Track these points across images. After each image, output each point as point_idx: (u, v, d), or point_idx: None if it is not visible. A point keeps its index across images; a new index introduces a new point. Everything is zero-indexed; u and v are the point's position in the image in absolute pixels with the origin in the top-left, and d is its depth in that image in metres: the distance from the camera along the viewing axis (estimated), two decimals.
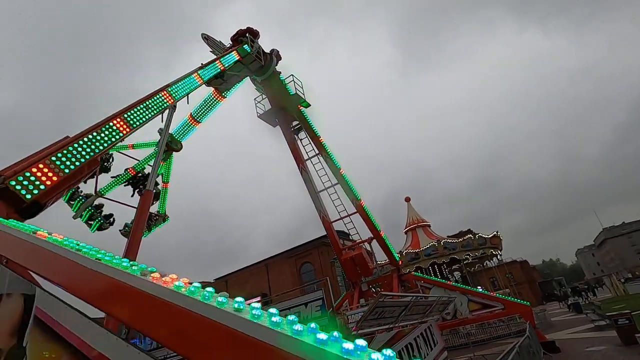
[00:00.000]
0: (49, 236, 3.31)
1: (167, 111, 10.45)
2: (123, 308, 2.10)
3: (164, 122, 10.70)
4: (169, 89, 9.82)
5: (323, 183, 19.25)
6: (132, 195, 11.63)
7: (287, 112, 18.64)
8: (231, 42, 16.82)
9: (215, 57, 16.36)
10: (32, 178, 5.50)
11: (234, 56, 14.69)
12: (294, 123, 19.29)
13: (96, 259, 2.57)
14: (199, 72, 11.48)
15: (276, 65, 17.89)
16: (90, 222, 11.16)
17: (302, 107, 18.50)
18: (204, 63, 12.53)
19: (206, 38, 16.54)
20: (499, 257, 29.80)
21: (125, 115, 7.89)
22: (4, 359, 3.13)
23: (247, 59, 15.55)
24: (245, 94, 18.86)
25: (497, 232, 28.17)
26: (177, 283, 2.10)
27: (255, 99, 18.99)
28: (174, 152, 14.86)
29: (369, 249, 19.85)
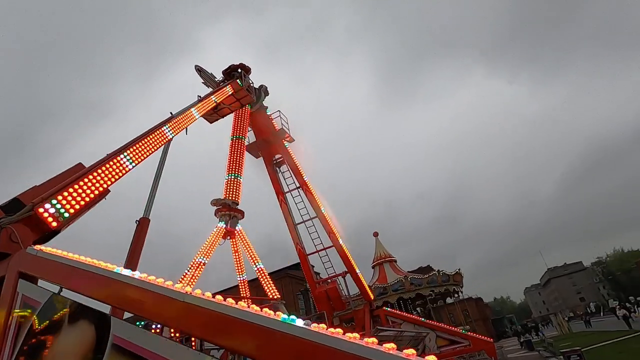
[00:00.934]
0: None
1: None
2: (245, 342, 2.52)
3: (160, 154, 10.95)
4: (170, 122, 10.14)
5: (302, 216, 19.74)
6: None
7: (271, 146, 19.28)
8: (223, 76, 17.52)
9: (207, 88, 16.96)
10: (58, 206, 5.61)
11: (229, 90, 15.30)
12: (277, 156, 19.92)
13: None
14: (192, 109, 11.88)
15: (264, 100, 18.72)
16: None
17: (286, 142, 19.26)
18: (201, 96, 13.01)
19: (199, 70, 17.08)
20: (460, 293, 31.24)
21: (135, 148, 8.12)
22: None
23: (239, 93, 16.21)
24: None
25: (459, 270, 29.74)
26: (283, 317, 2.59)
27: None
28: None
29: (342, 282, 20.25)
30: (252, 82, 17.56)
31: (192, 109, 11.45)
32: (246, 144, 19.28)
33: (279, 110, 18.98)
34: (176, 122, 10.25)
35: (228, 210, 12.43)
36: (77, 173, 6.46)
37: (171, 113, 13.23)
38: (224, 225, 12.17)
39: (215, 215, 12.41)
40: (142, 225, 9.12)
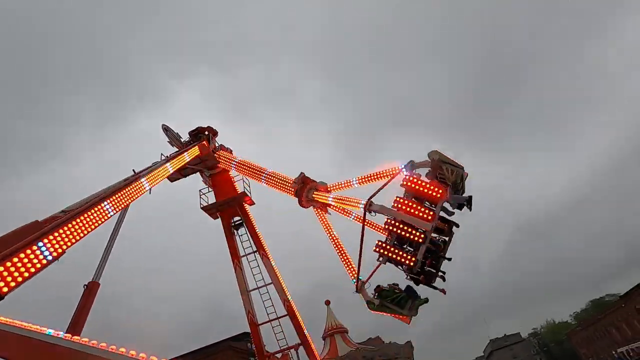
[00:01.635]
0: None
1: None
2: None
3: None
4: (141, 180, 10.00)
5: (256, 282, 19.08)
6: None
7: (231, 208, 19.13)
8: (189, 137, 17.81)
9: (172, 147, 17.03)
10: (6, 274, 5.18)
11: (196, 151, 15.49)
12: (236, 218, 19.68)
13: None
14: (167, 164, 11.90)
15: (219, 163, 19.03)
16: None
17: (246, 205, 19.26)
18: (170, 155, 13.06)
19: (166, 129, 17.26)
20: None
21: (102, 206, 7.85)
22: None
23: (206, 155, 16.44)
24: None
25: (409, 341, 29.50)
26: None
27: (200, 190, 19.32)
28: None
29: (294, 357, 19.14)
30: (218, 145, 17.97)
31: (167, 164, 11.38)
32: (205, 204, 19.13)
33: (240, 175, 19.25)
34: (152, 176, 10.10)
35: None
36: (36, 234, 6.08)
37: (134, 170, 13.05)
38: None
39: None
40: (91, 289, 8.40)
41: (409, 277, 10.40)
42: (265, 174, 15.49)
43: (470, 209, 10.40)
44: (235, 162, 16.77)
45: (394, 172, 10.97)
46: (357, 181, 12.96)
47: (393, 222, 10.33)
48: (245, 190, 18.86)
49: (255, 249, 19.13)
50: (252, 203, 19.39)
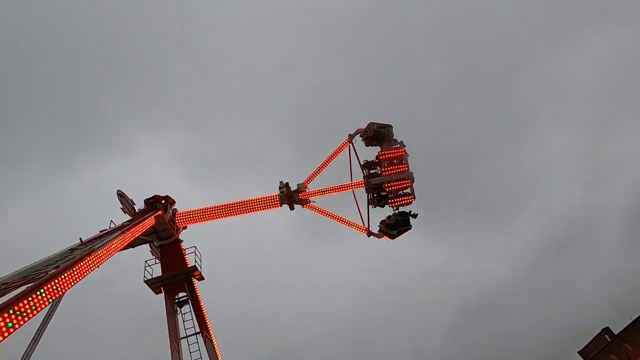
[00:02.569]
0: None
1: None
2: None
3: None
4: (97, 252, 9.44)
5: None
6: None
7: (177, 282, 17.97)
8: (145, 205, 17.30)
9: (125, 214, 16.34)
10: None
11: (152, 221, 15.00)
12: (181, 294, 18.36)
13: None
14: (119, 238, 11.37)
15: (179, 234, 18.46)
16: None
17: (195, 280, 18.25)
18: (125, 225, 12.51)
19: (121, 195, 16.70)
20: None
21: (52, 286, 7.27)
22: None
23: (161, 226, 15.92)
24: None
25: None
26: None
27: (146, 261, 18.10)
28: None
29: None
30: (174, 215, 17.56)
31: (114, 242, 10.83)
32: (149, 277, 17.79)
33: (194, 246, 18.63)
34: (106, 250, 9.53)
35: None
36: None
37: (81, 239, 12.29)
38: None
39: None
40: None
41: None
42: (244, 205, 16.75)
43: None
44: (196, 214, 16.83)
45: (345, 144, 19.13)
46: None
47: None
48: (197, 264, 18.06)
49: (198, 330, 17.66)
50: (201, 278, 18.43)
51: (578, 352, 53.76)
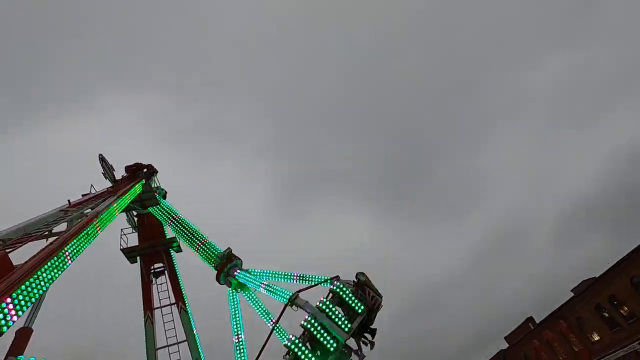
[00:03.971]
0: None
1: None
2: None
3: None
4: (99, 219, 9.31)
5: (167, 339, 17.33)
6: None
7: (154, 252, 17.76)
8: (126, 172, 16.78)
9: (104, 180, 15.78)
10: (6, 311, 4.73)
11: (139, 189, 14.67)
12: (157, 265, 18.18)
13: None
14: (119, 202, 11.20)
15: (158, 203, 18.12)
16: None
17: (172, 251, 18.13)
18: (109, 189, 12.21)
19: (102, 160, 16.02)
20: None
21: (69, 248, 7.23)
22: None
23: (146, 194, 15.61)
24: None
25: None
26: None
27: (122, 230, 17.61)
28: None
29: None
30: (159, 184, 17.23)
31: (115, 206, 10.67)
32: (125, 245, 17.38)
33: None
34: (103, 219, 9.43)
35: None
36: (18, 273, 5.56)
37: (69, 201, 11.90)
38: None
39: None
40: (23, 335, 7.22)
41: None
42: (199, 241, 15.17)
43: (372, 346, 10.94)
44: (174, 218, 16.17)
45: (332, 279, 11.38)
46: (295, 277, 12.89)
47: (312, 321, 10.35)
48: (177, 236, 17.92)
49: (173, 301, 17.69)
50: (179, 250, 18.36)
51: (504, 338, 60.23)
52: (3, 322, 4.77)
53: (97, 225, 8.78)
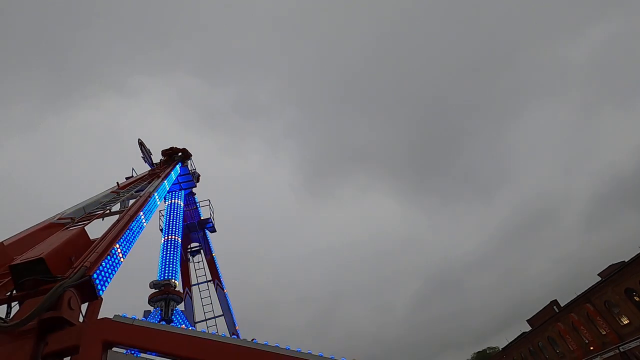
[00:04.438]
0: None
1: None
2: None
3: None
4: (143, 211, 9.79)
5: (204, 313, 18.38)
6: None
7: (191, 233, 18.65)
8: (163, 156, 17.47)
9: (144, 164, 16.54)
10: (104, 273, 5.32)
11: (175, 173, 15.34)
12: (193, 245, 19.12)
13: None
14: (159, 190, 11.75)
15: (194, 186, 18.88)
16: None
17: (207, 231, 18.98)
18: (150, 172, 12.84)
19: (141, 144, 16.72)
20: None
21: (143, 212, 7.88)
22: None
23: (182, 177, 16.29)
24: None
25: None
26: None
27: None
28: None
29: None
30: (195, 168, 17.91)
31: (155, 194, 11.19)
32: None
33: (208, 200, 19.20)
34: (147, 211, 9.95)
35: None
36: (107, 240, 6.16)
37: (118, 183, 12.62)
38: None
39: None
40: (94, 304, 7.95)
41: None
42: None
43: None
44: None
45: None
46: None
47: None
48: (211, 217, 18.74)
49: (209, 278, 18.66)
50: (214, 231, 19.19)
51: (527, 321, 59.85)
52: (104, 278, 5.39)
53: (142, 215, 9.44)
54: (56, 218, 8.83)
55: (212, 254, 18.88)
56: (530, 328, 56.11)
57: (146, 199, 9.21)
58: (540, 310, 54.13)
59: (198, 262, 18.99)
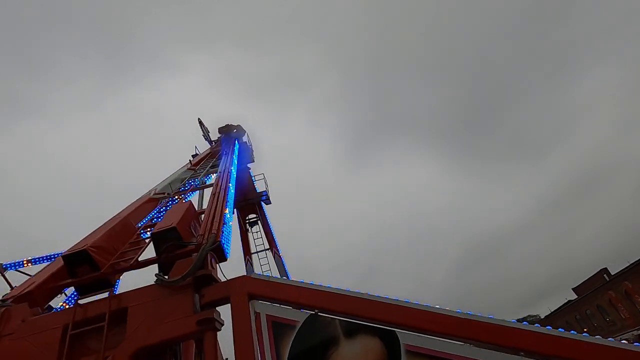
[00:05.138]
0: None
1: None
2: None
3: None
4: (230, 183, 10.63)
5: None
6: None
7: (248, 205, 19.80)
8: (219, 133, 18.40)
9: (204, 142, 17.55)
10: (226, 238, 6.10)
11: (237, 147, 16.20)
12: (251, 216, 20.33)
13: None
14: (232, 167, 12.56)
15: (252, 161, 19.82)
16: None
17: (263, 203, 20.05)
18: (213, 149, 13.78)
19: (201, 123, 17.68)
20: None
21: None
22: None
23: (241, 153, 17.16)
24: None
25: None
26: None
27: None
28: None
29: None
30: (250, 143, 18.74)
31: (233, 169, 12.00)
32: None
33: (263, 174, 20.12)
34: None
35: None
36: (218, 209, 6.97)
37: (190, 161, 13.63)
38: None
39: None
40: None
41: None
42: None
43: None
44: None
45: None
46: None
47: None
48: (267, 190, 19.72)
49: (267, 247, 19.92)
50: (269, 202, 20.23)
51: (573, 289, 58.47)
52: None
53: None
54: (152, 194, 9.90)
55: (268, 223, 20.01)
56: (577, 296, 54.94)
57: (229, 173, 10.03)
58: (589, 278, 52.66)
59: (256, 232, 20.26)
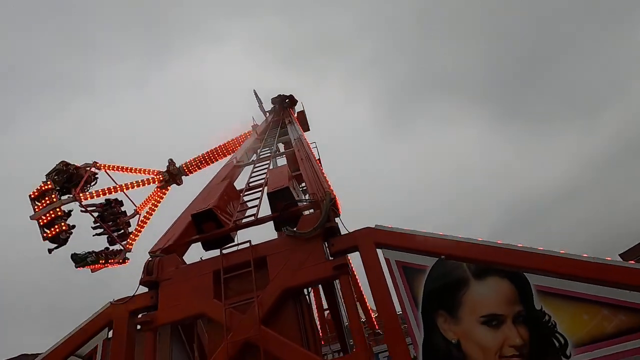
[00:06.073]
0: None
1: None
2: None
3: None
4: None
5: None
6: None
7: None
8: (273, 104, 18.81)
9: (266, 114, 18.07)
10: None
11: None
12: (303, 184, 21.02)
13: None
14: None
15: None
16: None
17: None
18: (270, 120, 14.33)
19: (256, 94, 18.14)
20: None
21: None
22: (511, 321, 4.56)
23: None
24: None
25: None
26: None
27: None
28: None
29: None
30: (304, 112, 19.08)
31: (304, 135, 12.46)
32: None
33: (314, 142, 20.51)
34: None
35: None
36: (317, 170, 7.47)
37: (255, 131, 14.14)
38: None
39: None
40: None
41: None
42: None
43: None
44: None
45: None
46: None
47: None
48: (319, 159, 20.20)
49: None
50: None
51: (619, 255, 56.66)
52: None
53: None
54: (234, 162, 10.63)
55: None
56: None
57: (305, 141, 10.49)
58: (637, 245, 50.73)
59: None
